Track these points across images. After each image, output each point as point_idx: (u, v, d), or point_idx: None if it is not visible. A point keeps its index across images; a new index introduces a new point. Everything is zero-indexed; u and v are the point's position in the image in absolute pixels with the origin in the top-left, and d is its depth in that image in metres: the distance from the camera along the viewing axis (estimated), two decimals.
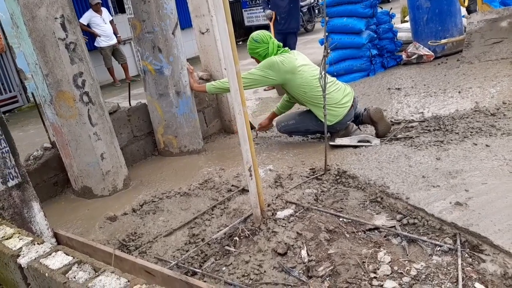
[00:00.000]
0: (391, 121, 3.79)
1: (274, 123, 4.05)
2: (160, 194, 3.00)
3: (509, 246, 1.71)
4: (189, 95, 3.64)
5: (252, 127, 4.62)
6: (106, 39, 8.15)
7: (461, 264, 1.74)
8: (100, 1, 8.03)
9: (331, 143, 3.44)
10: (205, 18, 4.17)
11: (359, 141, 3.40)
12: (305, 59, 3.56)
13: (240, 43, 12.96)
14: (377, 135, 3.53)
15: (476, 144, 2.85)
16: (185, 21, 9.55)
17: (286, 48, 3.56)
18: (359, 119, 3.65)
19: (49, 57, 2.69)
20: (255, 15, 12.25)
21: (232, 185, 3.01)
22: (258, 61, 3.54)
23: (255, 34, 3.53)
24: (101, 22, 8.08)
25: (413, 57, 6.33)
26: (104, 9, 8.24)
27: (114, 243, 2.45)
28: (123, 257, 1.88)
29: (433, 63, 5.99)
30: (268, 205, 2.54)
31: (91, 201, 3.07)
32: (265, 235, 2.24)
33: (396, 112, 4.12)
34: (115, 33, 8.32)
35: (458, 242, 1.87)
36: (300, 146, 3.71)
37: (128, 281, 1.32)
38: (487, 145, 2.79)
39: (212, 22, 4.11)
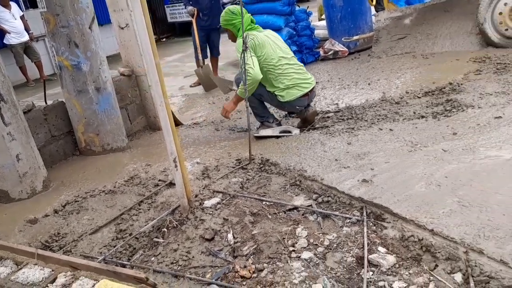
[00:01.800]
0: None
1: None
2: (83, 194, 2.93)
3: (405, 213, 1.96)
4: (110, 91, 3.58)
5: (178, 123, 4.65)
6: (16, 36, 7.57)
7: (367, 232, 1.97)
8: None
9: (255, 134, 3.60)
10: (124, 13, 4.10)
11: (281, 132, 3.59)
12: (277, 39, 3.64)
13: (164, 39, 12.75)
14: (299, 126, 3.75)
15: (381, 129, 3.17)
16: (103, 17, 9.16)
17: (257, 26, 3.64)
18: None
19: None
20: (178, 12, 12.10)
21: (159, 180, 3.04)
22: (230, 32, 3.65)
23: (232, 7, 3.63)
24: (10, 17, 7.48)
25: (330, 53, 6.74)
26: (13, 4, 7.64)
27: (37, 245, 2.36)
28: (47, 255, 1.85)
29: (348, 58, 6.43)
30: (196, 196, 2.62)
31: (8, 205, 2.91)
32: (193, 223, 2.32)
33: (314, 104, 4.39)
34: (27, 29, 7.76)
35: (364, 213, 2.10)
36: (226, 139, 3.82)
37: (52, 270, 1.33)
38: (390, 129, 3.12)
39: (132, 17, 4.06)
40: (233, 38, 3.71)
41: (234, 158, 3.23)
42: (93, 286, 1.27)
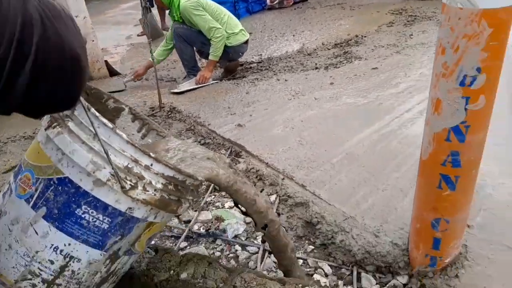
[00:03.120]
0: None
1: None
2: (5, 139, 3.25)
3: (255, 151, 2.37)
4: None
5: (115, 73, 4.90)
6: None
7: None
8: None
9: (175, 90, 3.90)
10: None
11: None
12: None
13: None
14: (222, 77, 4.04)
15: (279, 80, 3.51)
16: None
17: None
18: None
19: None
20: None
21: None
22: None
23: None
24: None
25: (275, 2, 6.89)
26: None
27: None
28: None
29: (291, 8, 6.62)
30: None
31: None
32: None
33: None
34: None
35: (229, 152, 2.51)
36: (150, 89, 4.11)
37: None
38: (286, 80, 3.47)
39: None
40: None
41: (148, 107, 3.56)
42: None
